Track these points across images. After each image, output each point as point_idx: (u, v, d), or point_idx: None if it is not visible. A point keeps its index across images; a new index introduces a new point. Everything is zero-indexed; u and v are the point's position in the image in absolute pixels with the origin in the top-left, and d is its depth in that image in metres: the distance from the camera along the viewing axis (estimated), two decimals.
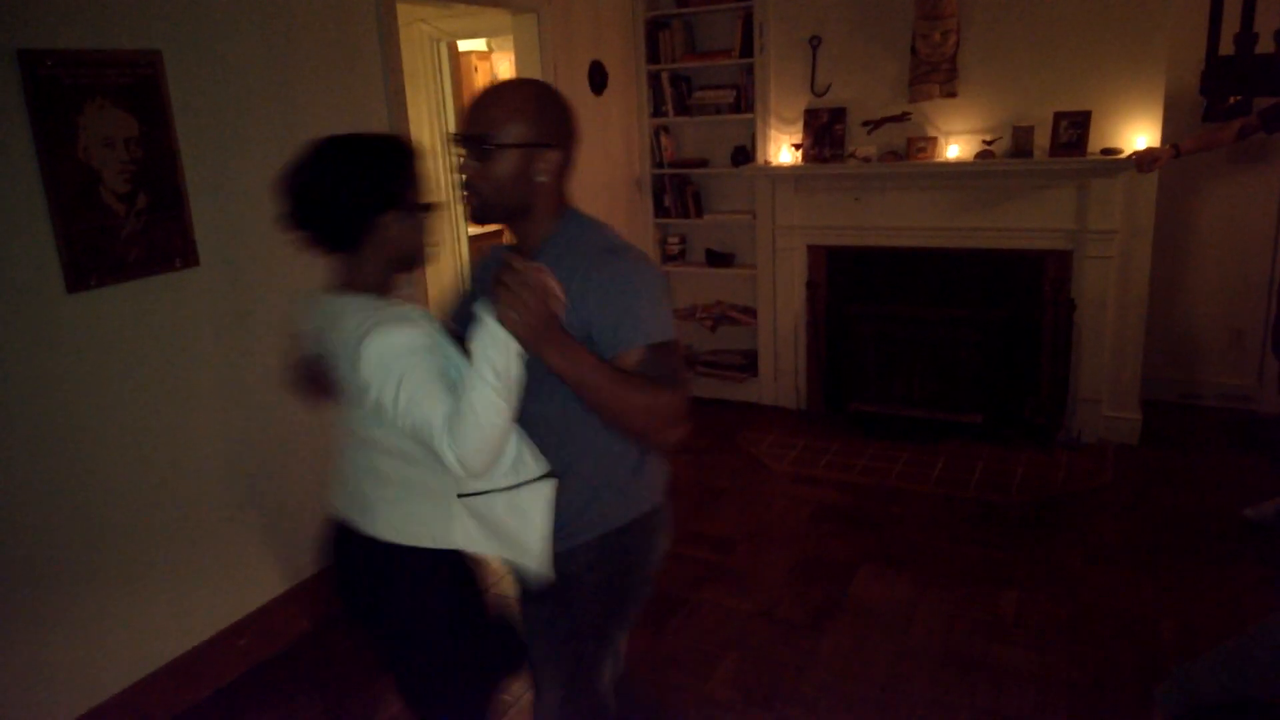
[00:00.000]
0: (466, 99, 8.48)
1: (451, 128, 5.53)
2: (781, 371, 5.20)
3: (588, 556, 1.68)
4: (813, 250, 4.96)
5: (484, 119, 1.53)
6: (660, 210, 5.38)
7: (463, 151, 1.56)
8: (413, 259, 1.63)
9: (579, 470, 1.64)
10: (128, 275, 2.59)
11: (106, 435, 2.55)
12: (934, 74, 4.43)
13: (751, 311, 5.27)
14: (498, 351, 1.40)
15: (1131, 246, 4.26)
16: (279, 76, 3.00)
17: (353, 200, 1.52)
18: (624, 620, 1.81)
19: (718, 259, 5.33)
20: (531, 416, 1.58)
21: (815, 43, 4.68)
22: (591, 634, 1.76)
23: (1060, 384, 4.51)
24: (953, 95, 4.42)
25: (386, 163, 1.56)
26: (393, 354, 1.45)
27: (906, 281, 4.82)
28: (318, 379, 1.71)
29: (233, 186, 2.83)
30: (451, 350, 1.53)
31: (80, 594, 2.51)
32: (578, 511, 1.65)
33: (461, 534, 1.61)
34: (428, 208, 1.61)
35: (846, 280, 4.96)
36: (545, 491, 1.59)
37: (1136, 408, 4.44)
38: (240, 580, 2.98)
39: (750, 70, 4.92)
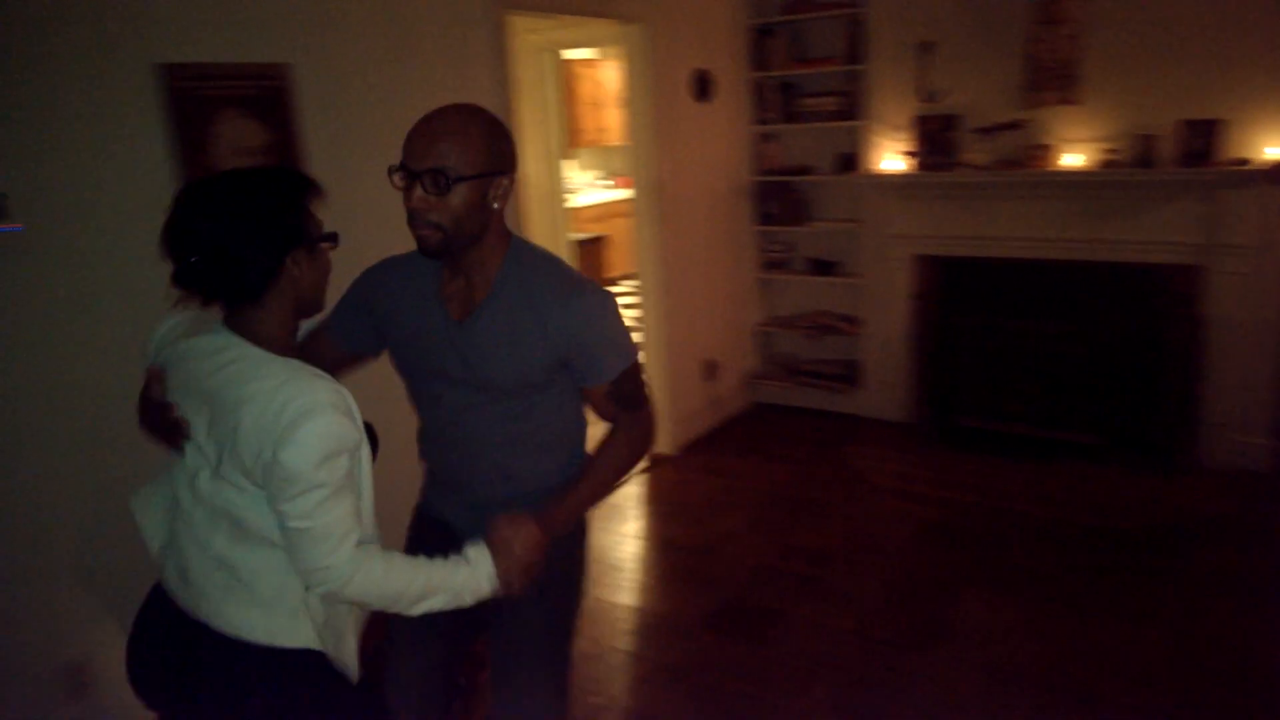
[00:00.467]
0: (571, 106, 8.64)
1: (556, 135, 5.61)
2: (885, 383, 5.10)
3: (564, 554, 1.76)
4: (920, 260, 4.85)
5: (440, 151, 1.48)
6: (762, 218, 5.34)
7: (402, 183, 1.52)
8: (317, 301, 1.50)
9: (555, 478, 1.76)
10: None
11: None
12: (1052, 80, 4.28)
13: (854, 321, 5.19)
14: (469, 592, 1.53)
15: (1265, 262, 4.00)
16: (397, 88, 3.10)
17: (261, 244, 1.36)
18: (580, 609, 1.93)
19: (821, 267, 5.26)
20: (508, 436, 1.70)
21: (926, 48, 4.57)
22: (569, 627, 1.86)
23: (1185, 405, 4.28)
24: (1071, 102, 4.25)
25: (285, 197, 1.41)
26: (329, 450, 1.31)
27: (1019, 294, 4.65)
28: (168, 427, 1.45)
29: (353, 193, 2.93)
30: (365, 446, 1.44)
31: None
32: None
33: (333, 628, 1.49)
34: (331, 239, 1.47)
35: (955, 291, 4.82)
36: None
37: (1269, 433, 4.17)
38: None
39: (857, 77, 4.85)
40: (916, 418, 5.01)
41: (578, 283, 1.63)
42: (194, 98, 2.53)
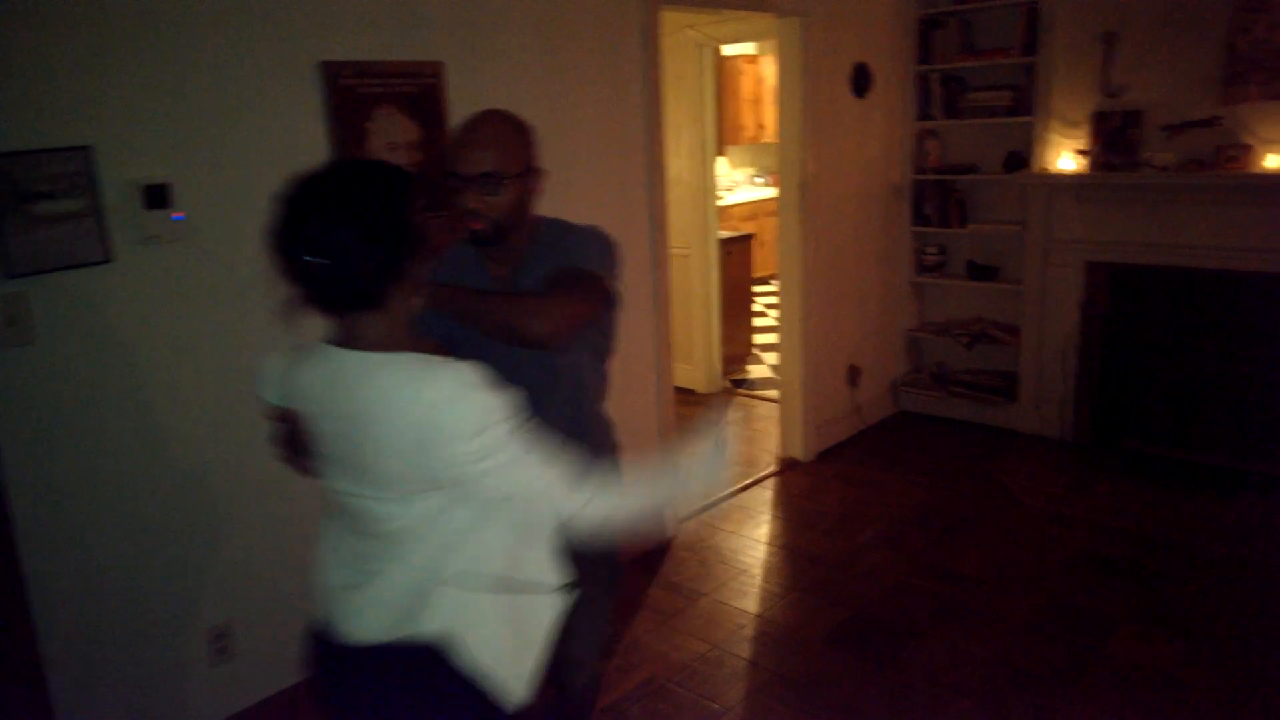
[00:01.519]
0: (732, 102, 8.57)
1: (711, 132, 5.56)
2: (1045, 398, 4.77)
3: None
4: (1092, 267, 4.50)
5: (489, 158, 1.70)
6: (919, 219, 5.11)
7: (455, 188, 1.72)
8: (424, 286, 1.44)
9: (611, 440, 1.98)
10: None
11: None
12: (1255, 72, 3.87)
13: (1014, 330, 4.88)
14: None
15: None
16: (546, 85, 3.15)
17: (394, 252, 1.29)
18: None
19: (979, 272, 4.98)
20: (557, 401, 1.81)
21: (1110, 38, 4.23)
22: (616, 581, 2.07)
23: None
24: (1278, 97, 3.83)
25: (409, 200, 1.33)
26: (483, 423, 1.27)
27: (1206, 308, 4.24)
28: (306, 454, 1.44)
29: None
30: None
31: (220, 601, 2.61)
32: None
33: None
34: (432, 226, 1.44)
35: (1130, 302, 4.45)
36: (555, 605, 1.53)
37: None
38: None
39: (1031, 70, 4.55)
40: (1079, 437, 4.66)
41: (578, 225, 1.89)
42: (353, 94, 2.65)
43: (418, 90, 2.82)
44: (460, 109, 2.89)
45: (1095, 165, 4.35)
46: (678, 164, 5.26)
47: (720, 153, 8.47)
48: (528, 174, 1.77)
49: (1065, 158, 4.47)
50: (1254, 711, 2.61)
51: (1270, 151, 3.89)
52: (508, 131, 1.75)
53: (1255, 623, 3.06)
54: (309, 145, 2.55)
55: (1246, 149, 3.92)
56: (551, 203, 1.82)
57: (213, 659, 2.50)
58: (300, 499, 2.64)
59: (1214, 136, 4.01)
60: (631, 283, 3.58)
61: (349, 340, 1.33)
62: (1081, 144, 4.41)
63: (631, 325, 3.62)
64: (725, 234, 5.92)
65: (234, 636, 2.53)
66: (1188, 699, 2.69)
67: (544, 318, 1.65)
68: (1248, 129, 3.94)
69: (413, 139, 2.81)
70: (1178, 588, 3.31)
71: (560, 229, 1.88)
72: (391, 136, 2.75)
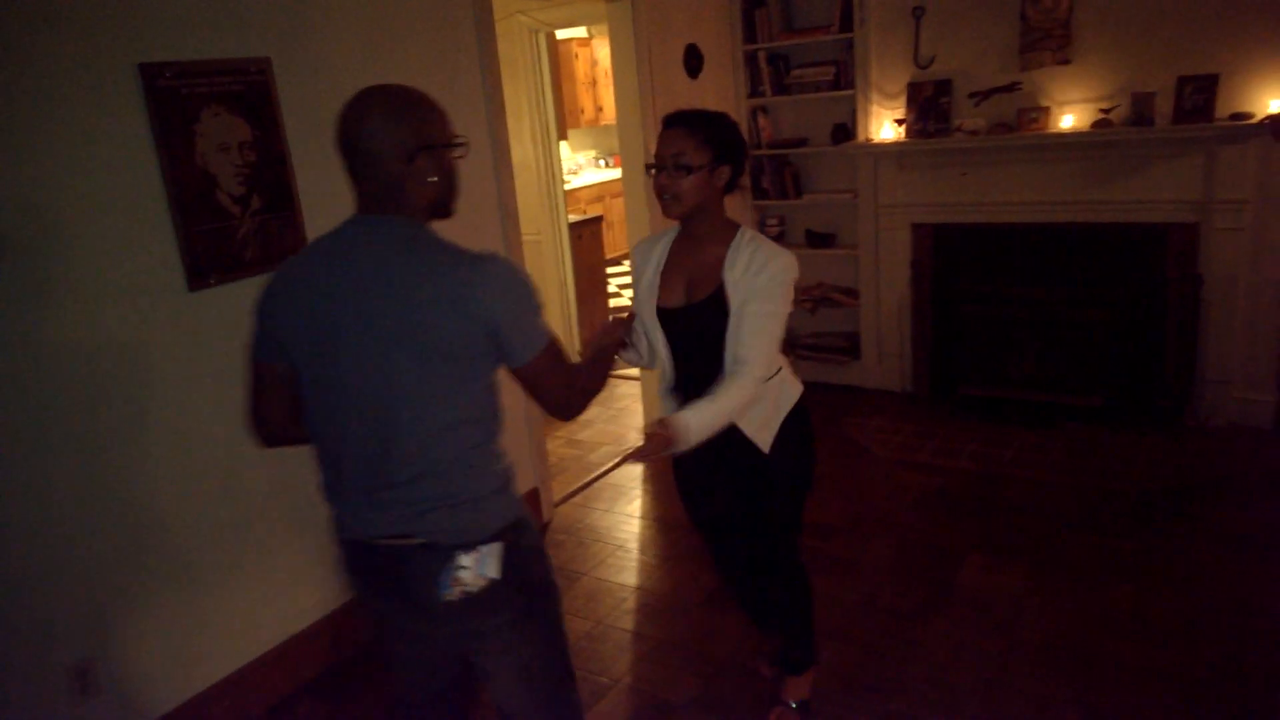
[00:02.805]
0: (568, 86, 8.58)
1: (552, 117, 5.58)
2: (885, 354, 5.08)
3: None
4: (918, 229, 4.82)
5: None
6: (758, 192, 5.32)
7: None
8: None
9: None
10: (244, 273, 2.71)
11: (228, 427, 2.67)
12: (1046, 40, 4.23)
13: (853, 292, 5.16)
14: None
15: (1265, 217, 3.97)
16: (381, 77, 3.06)
17: None
18: None
19: (818, 240, 5.24)
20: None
21: (919, 13, 4.52)
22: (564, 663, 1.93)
23: (1186, 364, 4.25)
24: (1066, 62, 4.21)
25: None
26: None
27: (1018, 259, 4.62)
28: None
29: (341, 185, 2.92)
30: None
31: (181, 586, 2.63)
32: None
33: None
34: None
35: (954, 259, 4.80)
36: None
37: (1272, 389, 4.15)
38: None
39: (850, 45, 4.80)
40: (918, 387, 5.00)
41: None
42: (177, 95, 2.52)
43: (246, 87, 2.71)
44: (294, 104, 2.80)
45: (912, 133, 4.65)
46: (521, 150, 5.25)
47: (562, 136, 8.49)
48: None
49: (886, 127, 4.76)
50: (1091, 622, 2.91)
51: (1064, 112, 4.28)
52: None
53: (1079, 539, 3.40)
54: (132, 151, 2.41)
55: (1044, 111, 4.29)
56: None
57: (75, 697, 2.36)
58: (157, 528, 2.53)
59: (1016, 100, 4.36)
60: None
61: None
62: (899, 114, 4.70)
63: None
64: (575, 218, 5.96)
65: (97, 672, 2.40)
66: (1029, 614, 2.97)
67: None
68: (1044, 92, 4.31)
69: (245, 138, 2.70)
70: (1014, 516, 3.62)
71: None
72: (222, 137, 2.63)
